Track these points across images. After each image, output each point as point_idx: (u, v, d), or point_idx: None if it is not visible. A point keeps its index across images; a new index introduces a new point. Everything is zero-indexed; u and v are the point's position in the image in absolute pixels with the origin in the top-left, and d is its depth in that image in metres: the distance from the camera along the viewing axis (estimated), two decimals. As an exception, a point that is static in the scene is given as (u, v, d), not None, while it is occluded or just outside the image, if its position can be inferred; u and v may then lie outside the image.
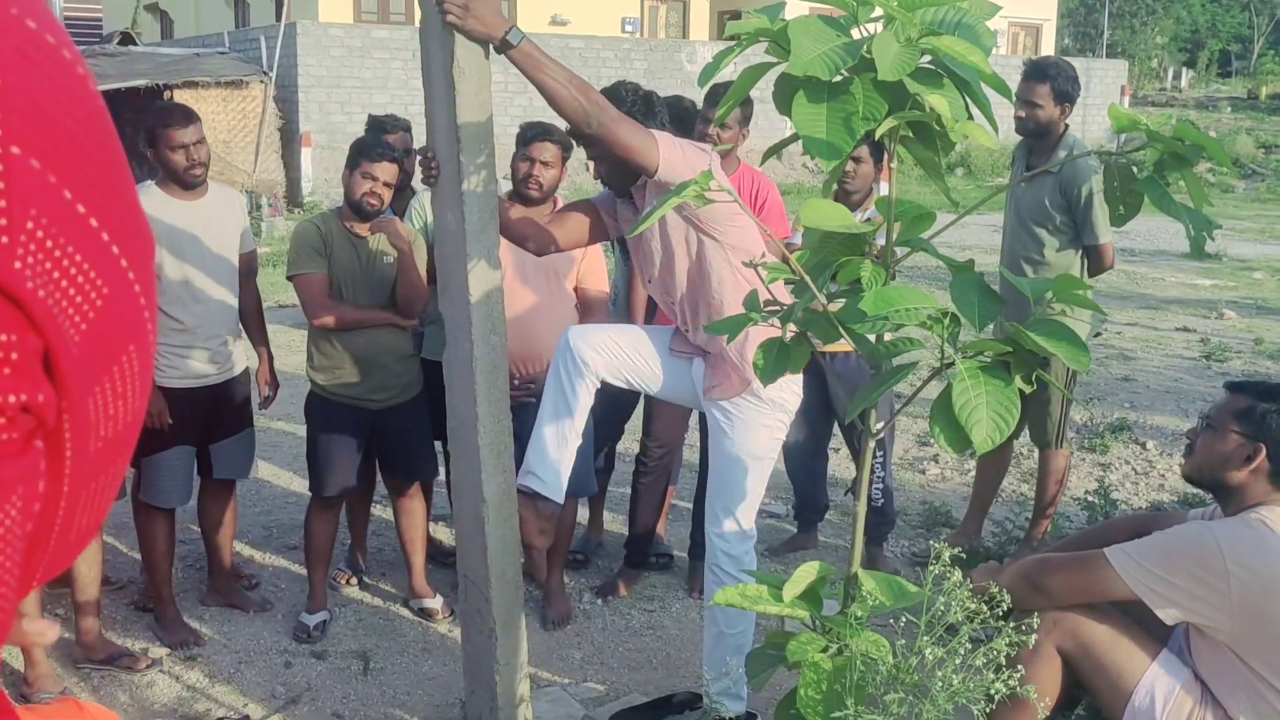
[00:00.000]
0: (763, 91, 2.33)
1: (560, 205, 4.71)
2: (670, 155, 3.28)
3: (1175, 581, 2.89)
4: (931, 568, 2.40)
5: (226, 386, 4.53)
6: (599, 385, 3.62)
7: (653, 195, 3.42)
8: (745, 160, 4.97)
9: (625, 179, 3.57)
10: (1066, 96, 4.96)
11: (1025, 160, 5.19)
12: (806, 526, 5.60)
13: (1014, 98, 4.94)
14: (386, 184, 4.45)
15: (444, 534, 5.48)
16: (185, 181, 4.30)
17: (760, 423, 3.60)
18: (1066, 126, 5.05)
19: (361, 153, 4.47)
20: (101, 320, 0.57)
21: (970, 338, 2.36)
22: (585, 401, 3.57)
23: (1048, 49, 32.05)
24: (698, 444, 5.29)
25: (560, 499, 3.57)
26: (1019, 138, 5.23)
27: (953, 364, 2.22)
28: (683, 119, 4.72)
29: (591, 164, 3.74)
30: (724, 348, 3.54)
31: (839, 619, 2.51)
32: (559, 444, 3.54)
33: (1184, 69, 44.72)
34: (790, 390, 3.63)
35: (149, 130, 4.32)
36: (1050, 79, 4.92)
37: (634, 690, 4.24)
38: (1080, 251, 5.01)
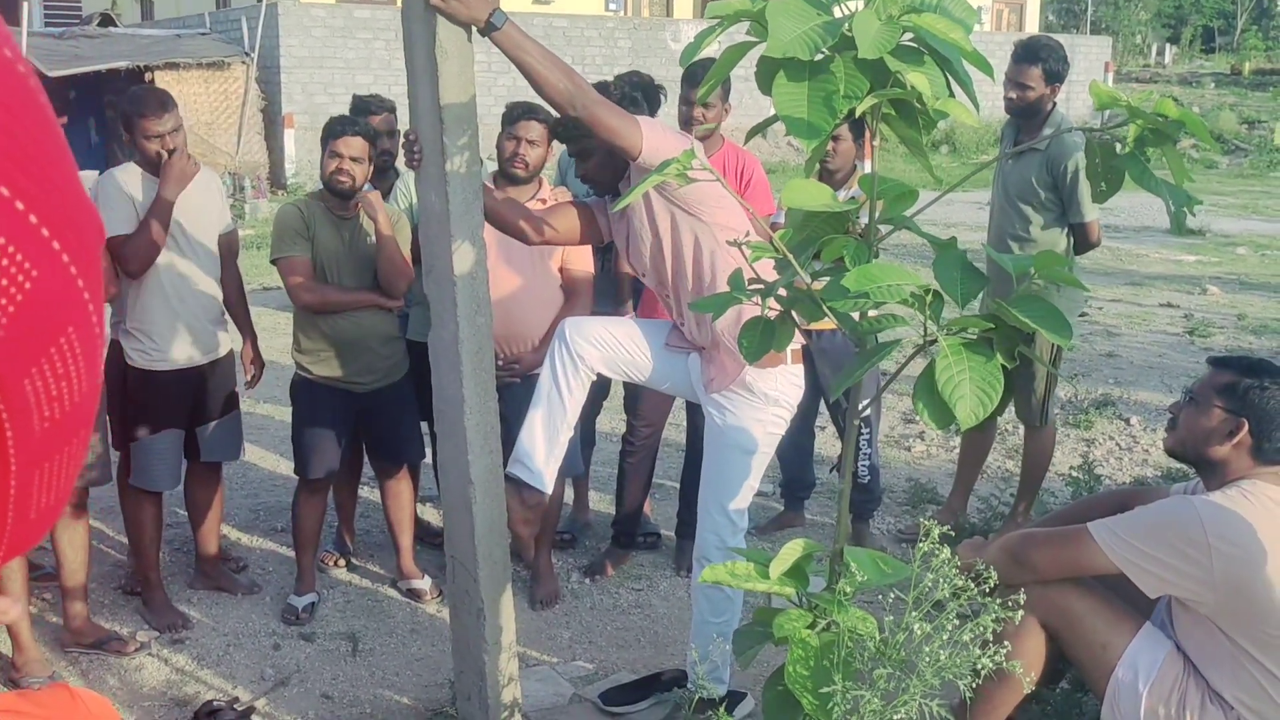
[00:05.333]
0: (746, 70, 2.33)
1: (545, 185, 4.71)
2: (654, 138, 3.28)
3: (1158, 555, 2.91)
4: (921, 545, 2.41)
5: (212, 369, 4.53)
6: (594, 379, 3.63)
7: (637, 180, 3.41)
8: (729, 139, 4.97)
9: (611, 175, 3.57)
10: (1057, 76, 4.97)
11: (1014, 138, 5.20)
12: (793, 504, 5.62)
13: (1004, 78, 4.96)
14: (354, 159, 4.41)
15: (431, 515, 5.48)
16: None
17: (754, 417, 3.60)
18: (1054, 104, 5.06)
19: (329, 133, 4.46)
20: (31, 303, 0.56)
21: (955, 315, 2.37)
22: (579, 396, 3.59)
23: (1032, 26, 32.06)
24: (683, 423, 5.30)
25: (547, 490, 3.58)
26: (1002, 115, 5.24)
27: (936, 341, 2.23)
28: (644, 95, 4.71)
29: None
30: (718, 336, 3.54)
31: (826, 596, 2.52)
32: (550, 436, 3.55)
33: (1167, 45, 44.74)
34: (789, 384, 3.63)
35: (125, 116, 4.29)
36: (1041, 61, 4.93)
37: (622, 668, 4.26)
38: (1066, 229, 5.02)
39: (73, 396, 0.63)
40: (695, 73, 4.55)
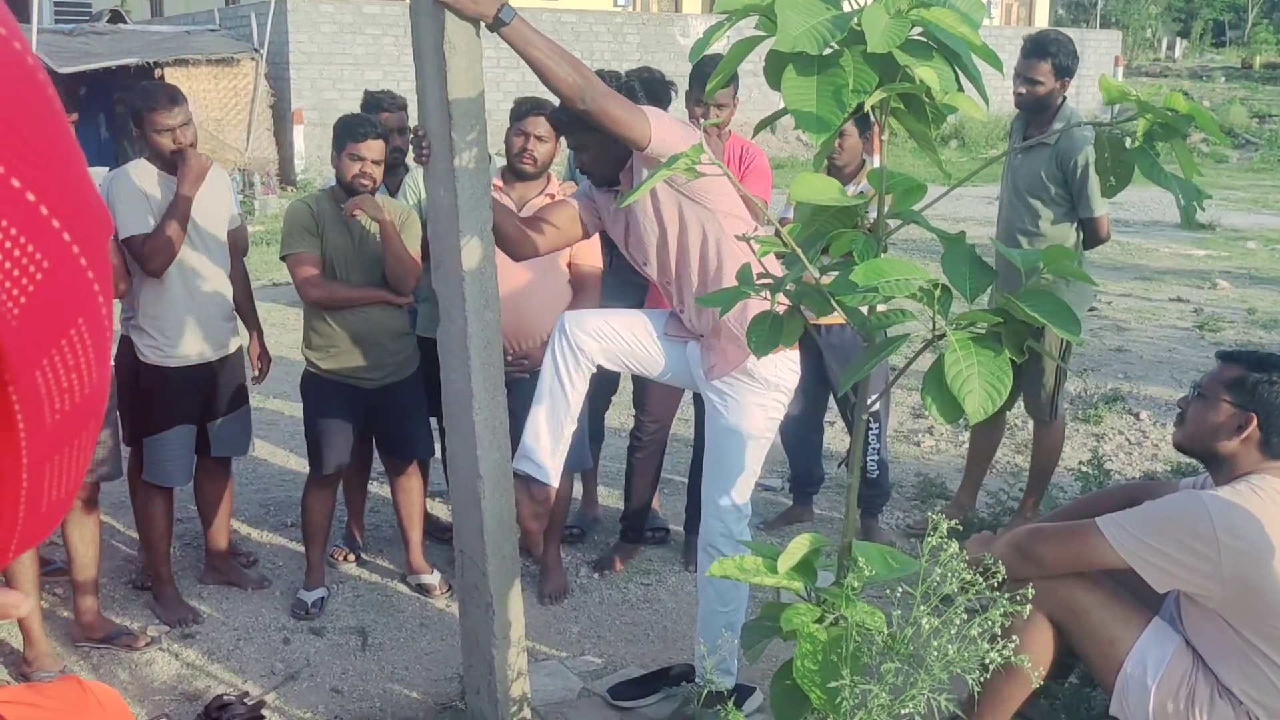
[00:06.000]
0: (755, 65, 2.33)
1: (554, 180, 4.71)
2: (661, 129, 3.27)
3: (1166, 550, 2.91)
4: (928, 539, 2.41)
5: (222, 364, 4.54)
6: (595, 370, 3.63)
7: (641, 170, 3.40)
8: (736, 132, 4.97)
9: (611, 167, 3.55)
10: (1066, 71, 4.96)
11: (1023, 133, 5.19)
12: (802, 499, 5.62)
13: (1014, 74, 4.95)
14: (375, 162, 4.43)
15: (441, 510, 5.49)
16: (171, 164, 4.29)
17: (756, 402, 3.60)
18: (1064, 99, 5.05)
19: (347, 134, 4.45)
20: (42, 294, 0.57)
21: (963, 309, 2.37)
22: (581, 388, 3.58)
23: (1041, 20, 31.97)
24: (691, 418, 5.30)
25: (553, 483, 3.58)
26: (1011, 110, 5.23)
27: (944, 335, 2.23)
28: (655, 91, 4.71)
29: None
30: (720, 324, 3.53)
31: (834, 590, 2.52)
32: (554, 430, 3.55)
33: (1178, 39, 44.60)
34: (787, 369, 3.63)
35: (134, 111, 4.31)
36: (1051, 56, 4.92)
37: (631, 663, 4.26)
38: (1076, 224, 5.02)
39: (83, 388, 0.64)
40: (705, 72, 4.54)
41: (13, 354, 0.57)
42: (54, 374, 0.62)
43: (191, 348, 4.41)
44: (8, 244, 0.55)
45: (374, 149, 4.42)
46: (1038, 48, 4.97)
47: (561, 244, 3.80)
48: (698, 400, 4.98)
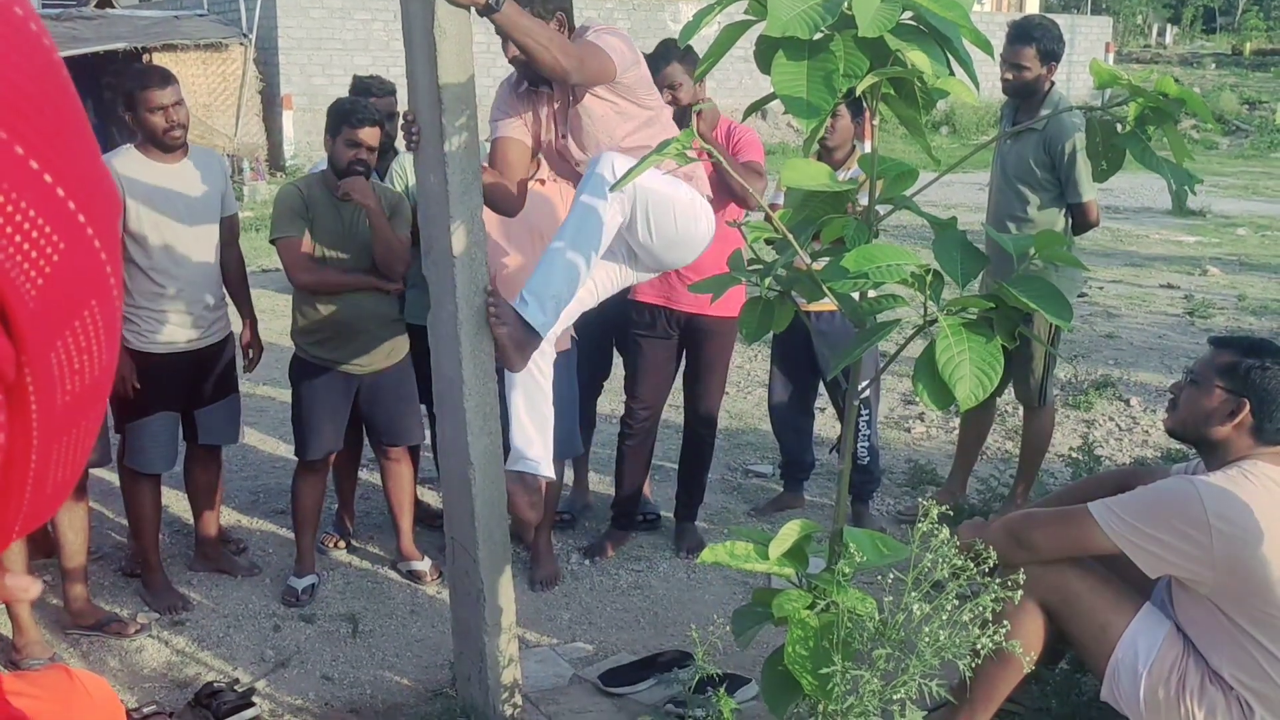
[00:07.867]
0: (745, 50, 2.32)
1: (544, 164, 4.69)
2: (619, 57, 3.45)
3: (1158, 535, 2.91)
4: (919, 525, 2.41)
5: (210, 351, 4.51)
6: (553, 352, 3.62)
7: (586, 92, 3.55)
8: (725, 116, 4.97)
9: None
10: (1052, 56, 4.95)
11: (1012, 118, 5.19)
12: (793, 485, 5.63)
13: (999, 59, 4.95)
14: (370, 148, 4.42)
15: (431, 497, 5.48)
16: (164, 144, 4.27)
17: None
18: (1052, 84, 5.05)
19: (343, 119, 4.42)
20: (59, 275, 0.58)
21: (955, 295, 2.36)
22: (549, 370, 3.59)
23: (1032, 6, 31.94)
24: (682, 405, 5.30)
25: (549, 473, 3.58)
26: (1003, 95, 5.23)
27: (935, 321, 2.22)
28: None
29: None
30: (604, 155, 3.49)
31: (825, 576, 2.52)
32: (537, 421, 3.56)
33: (1168, 25, 44.60)
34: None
35: (126, 93, 4.28)
36: (1035, 40, 4.92)
37: (622, 649, 4.26)
38: (1065, 209, 5.01)
39: (93, 370, 0.65)
40: (661, 51, 4.61)
41: (30, 336, 0.58)
42: (67, 355, 0.62)
43: (174, 334, 4.38)
44: (26, 226, 0.56)
45: (371, 135, 4.40)
46: (1021, 33, 4.97)
47: (528, 172, 3.82)
48: (688, 387, 5.00)
